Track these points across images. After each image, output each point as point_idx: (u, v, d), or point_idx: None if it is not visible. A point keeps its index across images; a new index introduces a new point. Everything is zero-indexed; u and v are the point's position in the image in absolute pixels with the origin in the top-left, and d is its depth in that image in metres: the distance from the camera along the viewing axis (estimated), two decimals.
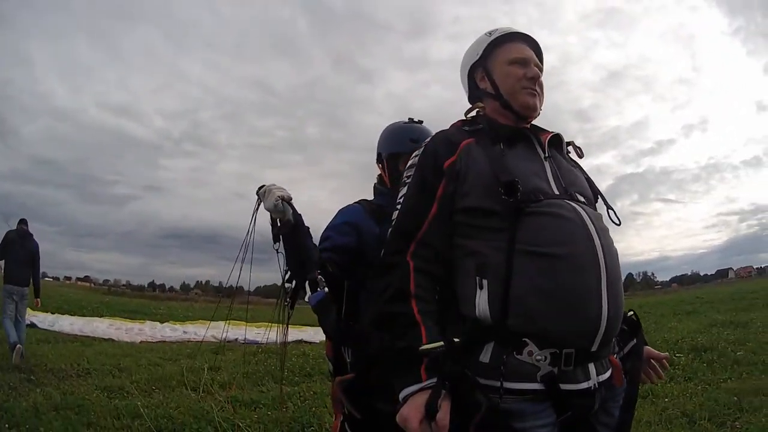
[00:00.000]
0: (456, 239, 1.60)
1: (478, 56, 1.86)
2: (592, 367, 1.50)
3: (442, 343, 1.44)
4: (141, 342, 13.26)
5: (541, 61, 1.89)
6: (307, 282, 1.80)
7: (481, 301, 1.48)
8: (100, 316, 18.27)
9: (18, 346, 8.08)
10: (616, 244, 1.59)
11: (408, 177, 1.72)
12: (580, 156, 1.91)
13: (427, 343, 1.43)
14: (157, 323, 17.03)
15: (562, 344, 1.43)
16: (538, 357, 1.43)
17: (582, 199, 1.65)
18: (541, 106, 1.82)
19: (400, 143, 2.28)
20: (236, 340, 11.35)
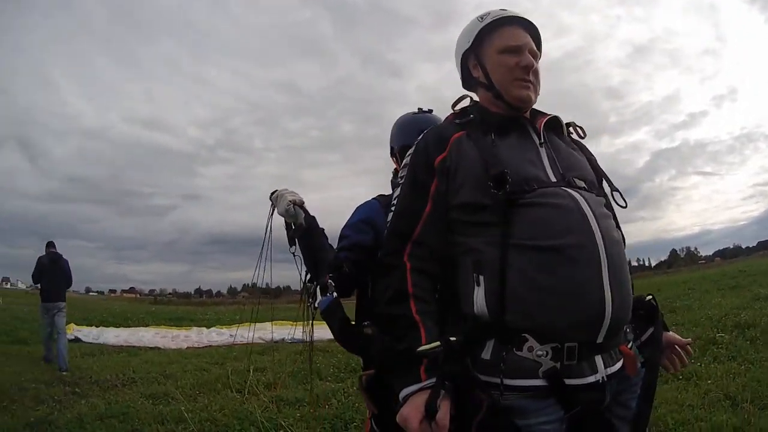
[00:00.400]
0: (454, 236, 1.57)
1: (470, 43, 1.78)
2: (599, 359, 1.46)
3: (438, 343, 1.41)
4: (187, 348, 13.35)
5: (539, 46, 1.80)
6: (319, 286, 1.80)
7: (479, 298, 1.46)
8: (146, 326, 18.49)
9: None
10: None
11: (402, 177, 1.71)
12: (582, 136, 1.85)
13: (426, 344, 1.42)
14: (204, 328, 17.18)
15: (563, 338, 1.40)
16: (539, 352, 1.40)
17: (581, 184, 1.60)
18: (536, 96, 1.73)
19: (410, 135, 2.22)
20: (282, 340, 11.39)
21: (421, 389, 1.37)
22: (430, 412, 1.32)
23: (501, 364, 1.41)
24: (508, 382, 1.40)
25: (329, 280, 1.76)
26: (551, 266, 1.40)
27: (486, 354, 1.44)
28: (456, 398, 1.38)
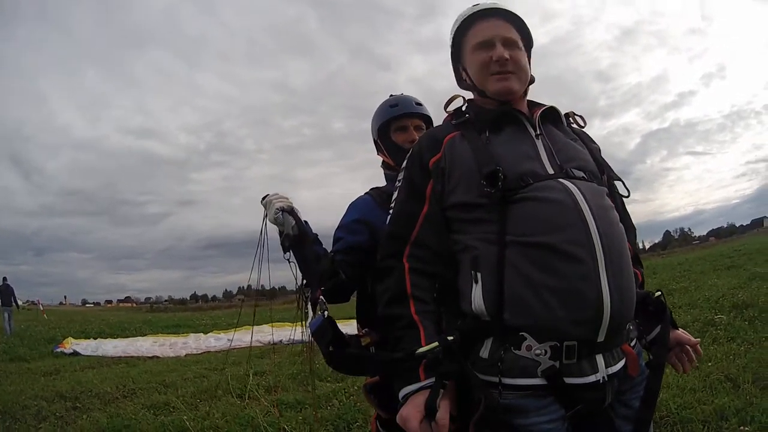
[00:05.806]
0: (453, 236, 1.58)
1: (451, 48, 1.81)
2: (600, 358, 1.44)
3: (437, 344, 1.40)
4: (186, 355, 13.26)
5: (524, 30, 1.76)
6: (310, 302, 1.77)
7: (476, 296, 1.46)
8: (143, 335, 18.40)
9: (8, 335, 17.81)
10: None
11: (399, 180, 1.72)
12: (582, 125, 1.83)
13: (425, 344, 1.42)
14: (201, 334, 17.03)
15: (561, 337, 1.39)
16: (538, 351, 1.39)
17: (580, 174, 1.57)
18: (521, 84, 1.70)
19: (382, 115, 2.30)
20: (281, 341, 11.33)
21: (420, 389, 1.38)
22: (430, 411, 1.32)
23: (499, 363, 1.41)
24: (506, 381, 1.40)
25: (321, 296, 1.73)
26: (546, 263, 1.39)
27: (484, 353, 1.44)
28: (456, 397, 1.38)
